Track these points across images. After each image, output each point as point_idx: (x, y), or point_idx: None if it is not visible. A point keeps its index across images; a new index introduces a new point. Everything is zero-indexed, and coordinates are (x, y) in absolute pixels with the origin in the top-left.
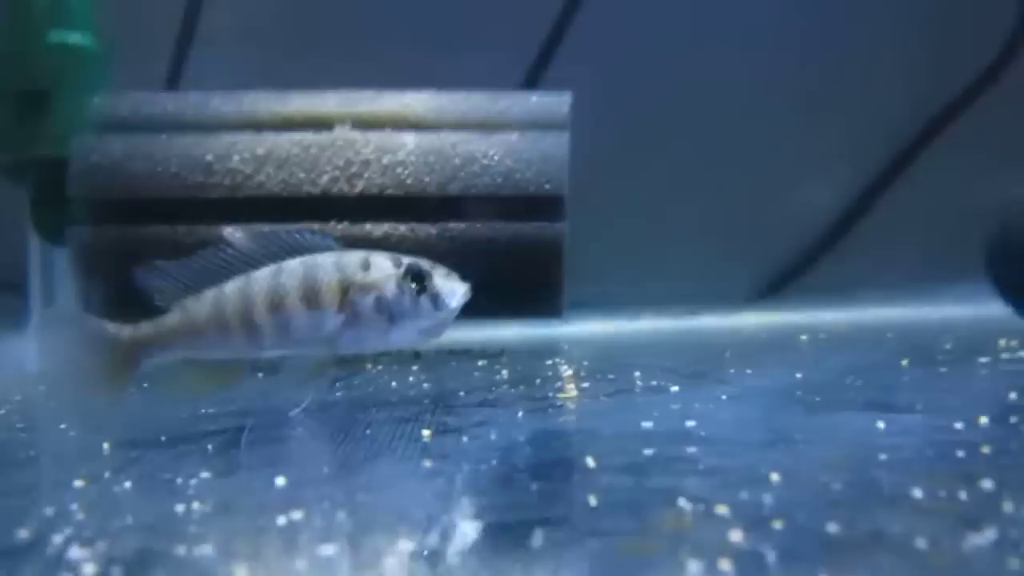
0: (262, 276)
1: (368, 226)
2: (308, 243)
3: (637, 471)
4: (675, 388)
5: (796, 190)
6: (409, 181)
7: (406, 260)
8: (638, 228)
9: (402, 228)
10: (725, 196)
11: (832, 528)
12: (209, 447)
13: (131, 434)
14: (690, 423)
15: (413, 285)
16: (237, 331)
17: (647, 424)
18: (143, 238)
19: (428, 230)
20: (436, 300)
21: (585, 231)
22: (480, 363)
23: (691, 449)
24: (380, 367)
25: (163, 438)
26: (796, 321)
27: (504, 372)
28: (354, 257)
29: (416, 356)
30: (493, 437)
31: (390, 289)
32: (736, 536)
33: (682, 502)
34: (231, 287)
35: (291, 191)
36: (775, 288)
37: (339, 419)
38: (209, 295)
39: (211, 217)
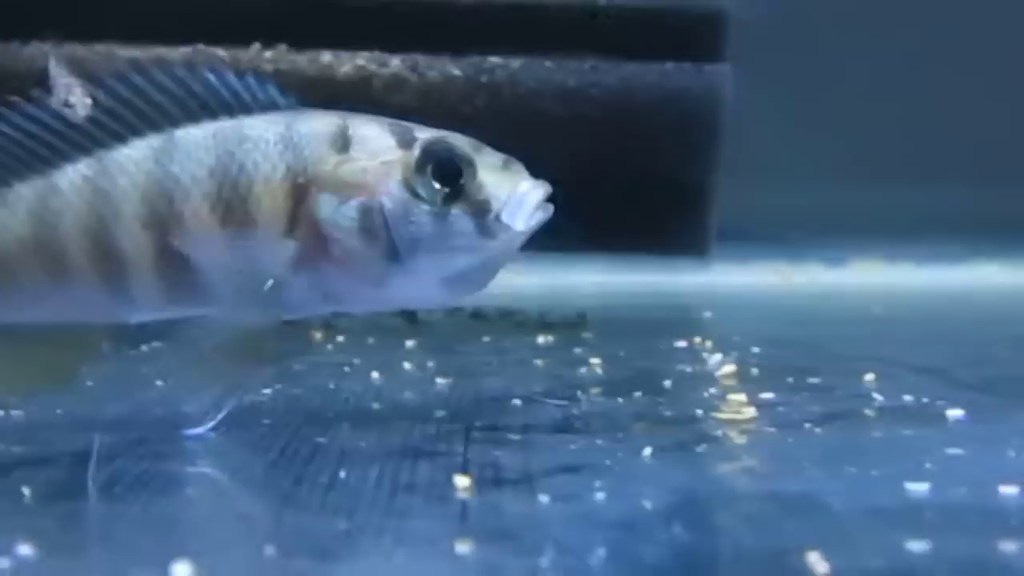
0: (132, 160)
1: (326, 56)
2: (223, 93)
3: None
4: (955, 412)
5: None
6: None
7: (422, 133)
8: (834, 114)
9: (395, 62)
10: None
11: None
12: (25, 492)
13: None
14: (1008, 489)
15: (437, 185)
16: (83, 270)
17: (915, 486)
18: None
19: (447, 68)
20: (482, 216)
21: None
22: (541, 339)
23: None
24: (340, 339)
25: None
26: None
27: (594, 360)
28: (317, 125)
29: (411, 320)
30: (600, 499)
31: (391, 191)
32: None
33: None
34: (71, 179)
35: None
36: None
37: (278, 445)
38: (25, 194)
39: (13, 25)
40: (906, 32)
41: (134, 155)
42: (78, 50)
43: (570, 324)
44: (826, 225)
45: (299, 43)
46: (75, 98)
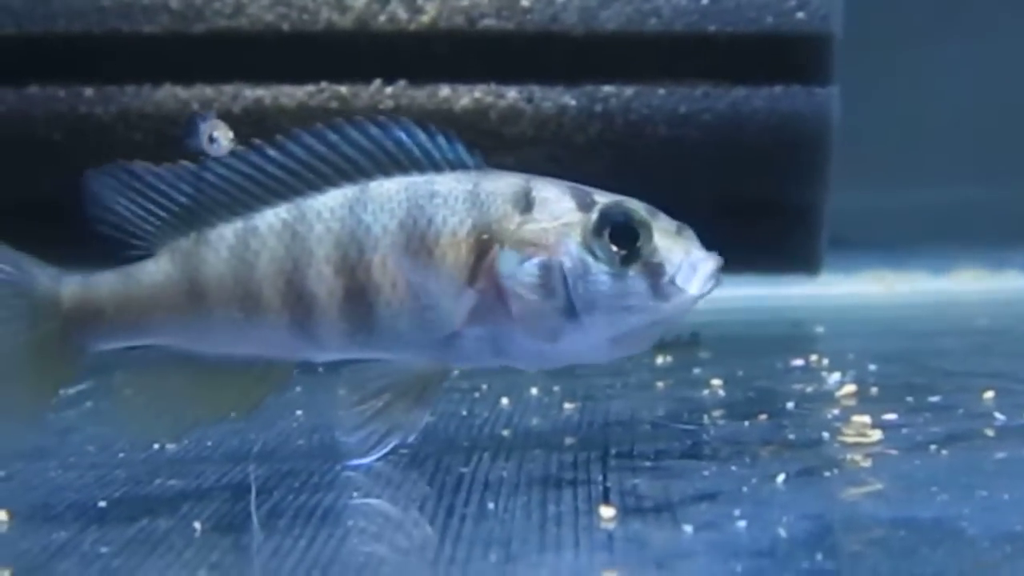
0: (327, 207)
1: (444, 90)
2: (415, 151)
3: None
4: None
5: None
6: (525, 3)
7: (600, 197)
8: (934, 117)
9: (511, 94)
10: None
11: None
12: (196, 528)
13: (47, 495)
14: None
15: (614, 247)
16: (276, 308)
17: None
18: (22, 108)
19: (562, 99)
20: (656, 278)
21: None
22: (660, 360)
23: None
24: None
25: (102, 503)
26: None
27: (715, 382)
28: (502, 185)
29: None
30: (741, 527)
31: (570, 251)
32: None
33: None
34: (269, 223)
35: (296, 23)
36: None
37: (425, 474)
38: (227, 234)
39: (145, 70)
40: (1007, 31)
41: (329, 203)
42: (206, 91)
43: (685, 343)
44: (928, 231)
45: (417, 78)
46: (219, 133)
